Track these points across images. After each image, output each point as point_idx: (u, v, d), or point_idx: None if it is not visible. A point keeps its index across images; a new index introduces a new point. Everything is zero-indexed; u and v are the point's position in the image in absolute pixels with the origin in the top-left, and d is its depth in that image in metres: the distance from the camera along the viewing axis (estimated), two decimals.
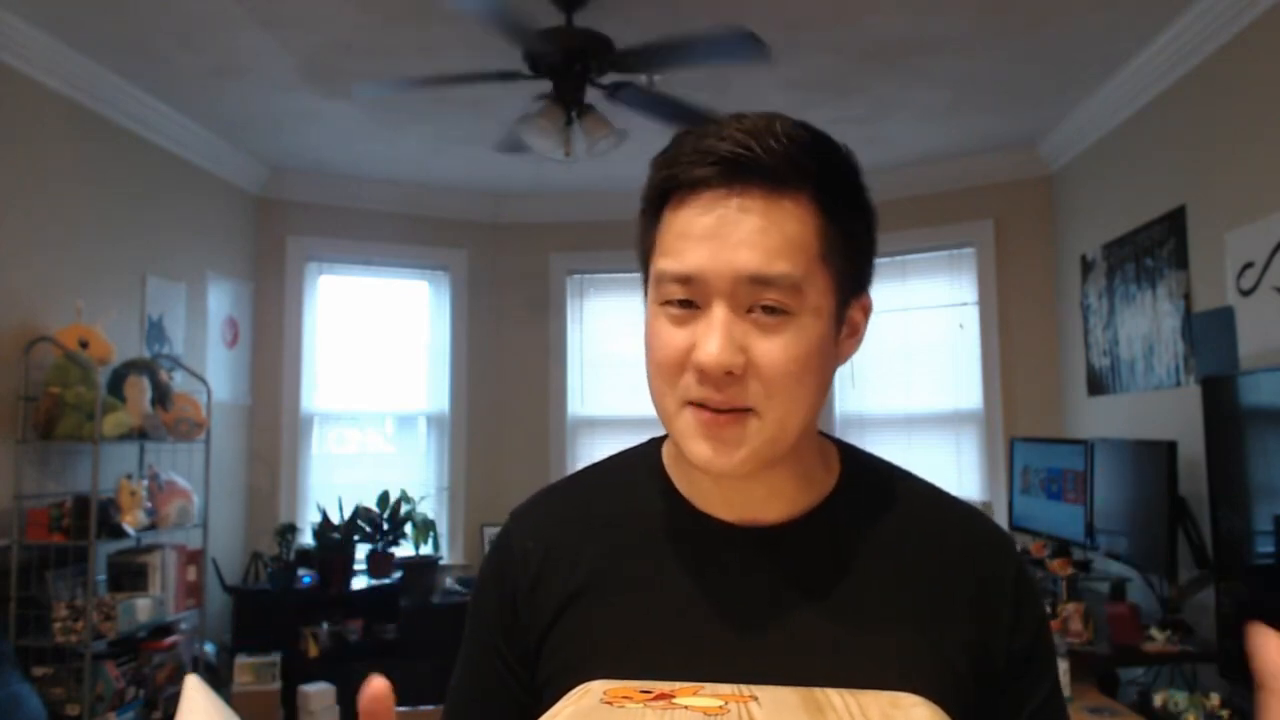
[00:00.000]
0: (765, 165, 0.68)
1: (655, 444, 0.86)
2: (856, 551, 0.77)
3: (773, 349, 0.69)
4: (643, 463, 0.84)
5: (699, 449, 0.71)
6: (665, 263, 0.71)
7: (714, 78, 3.34)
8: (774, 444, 0.71)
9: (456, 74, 3.03)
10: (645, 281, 0.77)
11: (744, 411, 0.70)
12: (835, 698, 0.61)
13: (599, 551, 0.79)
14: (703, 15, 3.02)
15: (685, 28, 3.05)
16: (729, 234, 0.68)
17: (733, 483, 0.76)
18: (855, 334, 0.77)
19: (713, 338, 0.68)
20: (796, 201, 0.70)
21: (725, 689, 0.63)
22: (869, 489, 0.81)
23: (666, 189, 0.72)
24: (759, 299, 0.69)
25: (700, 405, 0.70)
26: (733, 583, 0.76)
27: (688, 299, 0.70)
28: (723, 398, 0.69)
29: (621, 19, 2.97)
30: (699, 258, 0.69)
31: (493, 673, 0.80)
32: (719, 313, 0.68)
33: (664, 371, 0.72)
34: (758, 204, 0.69)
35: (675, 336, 0.70)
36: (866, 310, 0.77)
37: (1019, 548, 0.88)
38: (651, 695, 0.62)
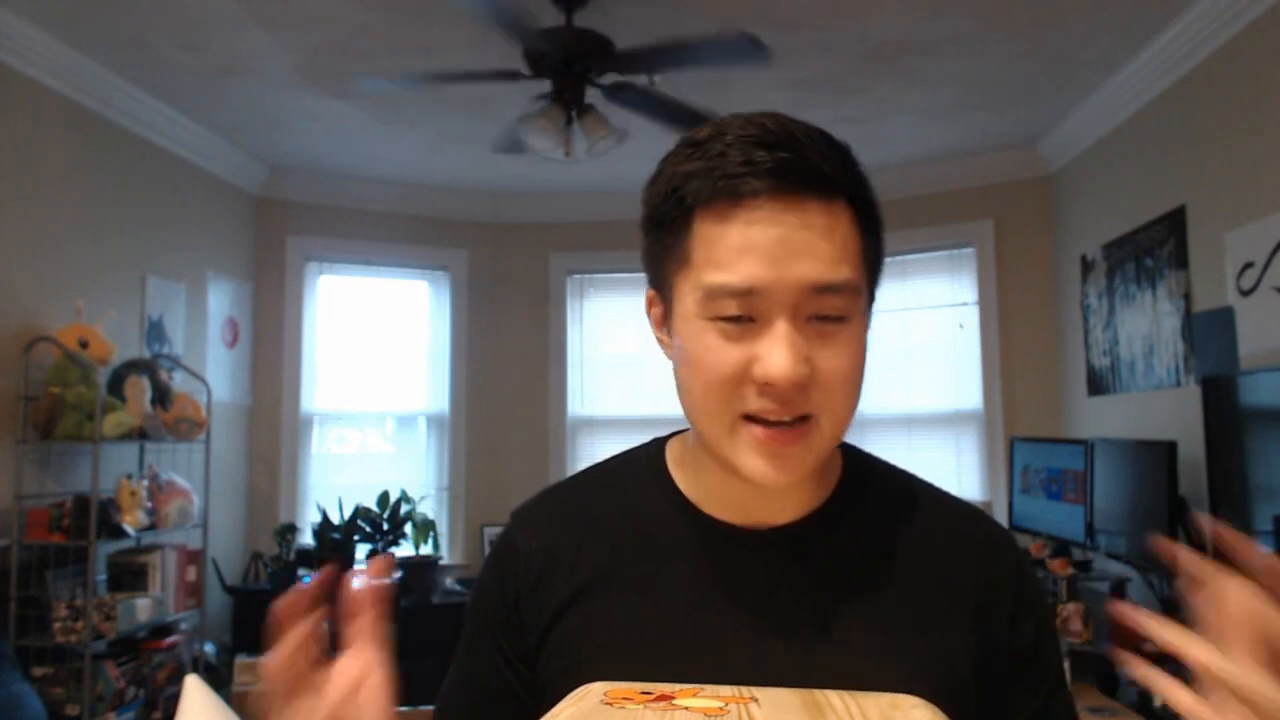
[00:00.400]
0: (816, 171, 0.68)
1: (658, 444, 0.86)
2: (858, 553, 0.77)
3: (835, 357, 0.69)
4: (646, 463, 0.84)
5: (756, 465, 0.70)
6: (719, 275, 0.68)
7: (714, 78, 3.33)
8: (827, 449, 0.72)
9: (457, 72, 3.03)
10: (662, 290, 0.75)
11: (804, 420, 0.69)
12: (835, 699, 0.61)
13: (601, 552, 0.79)
14: (703, 15, 3.02)
15: (685, 28, 3.05)
16: (792, 246, 0.67)
17: (749, 487, 0.75)
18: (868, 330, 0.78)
19: (780, 352, 0.66)
20: (841, 206, 0.70)
21: (725, 690, 0.63)
22: (871, 490, 0.81)
23: (704, 197, 0.69)
24: (821, 308, 0.68)
25: (758, 419, 0.69)
26: (735, 583, 0.76)
27: (744, 313, 0.68)
28: (788, 408, 0.68)
29: (622, 19, 2.97)
30: (759, 271, 0.67)
31: (493, 671, 0.80)
32: (782, 326, 0.67)
33: (718, 388, 0.70)
34: (815, 212, 0.68)
35: (731, 353, 0.69)
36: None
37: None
38: (652, 697, 0.62)
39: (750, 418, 0.69)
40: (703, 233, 0.69)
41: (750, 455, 0.70)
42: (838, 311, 0.68)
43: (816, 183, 0.68)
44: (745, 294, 0.67)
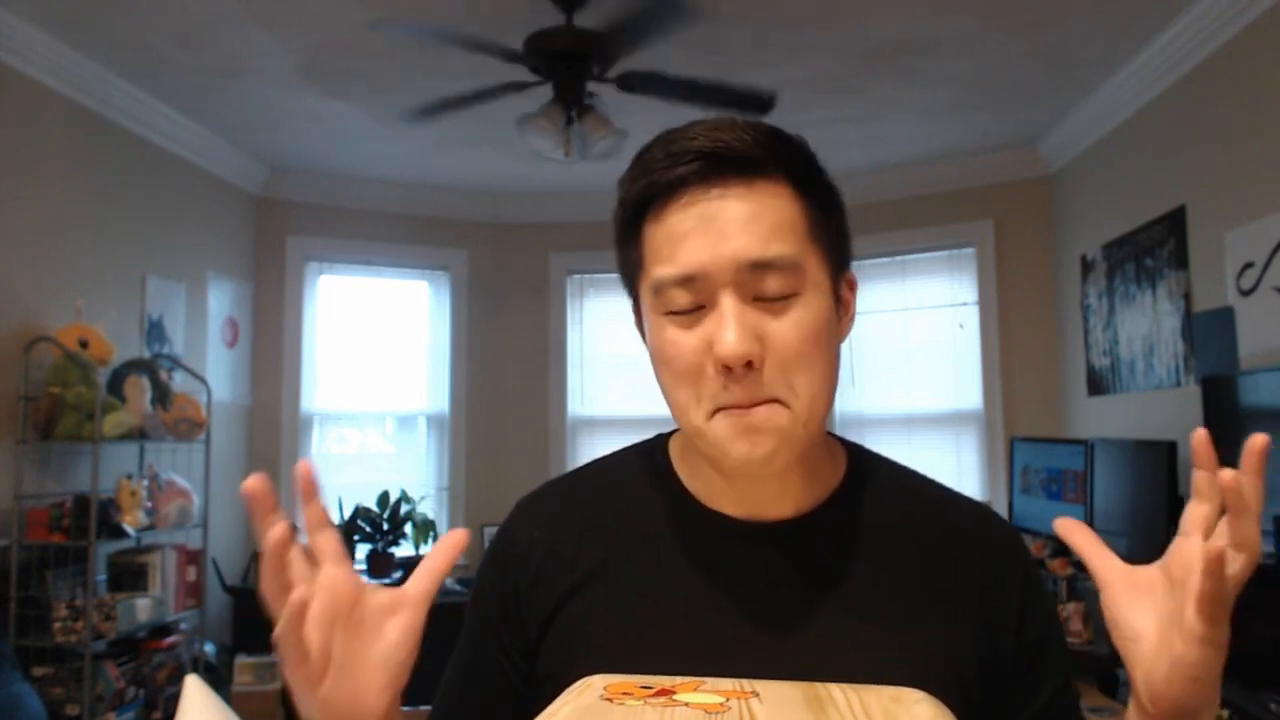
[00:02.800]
0: (740, 154, 0.69)
1: (660, 440, 0.86)
2: (862, 548, 0.77)
3: (785, 329, 0.69)
4: (648, 458, 0.84)
5: (737, 449, 0.70)
6: (662, 269, 0.70)
7: (714, 79, 3.33)
8: (804, 430, 0.71)
9: (467, 93, 3.05)
10: (635, 301, 0.77)
11: (771, 403, 0.69)
12: (837, 693, 0.61)
13: (602, 545, 0.79)
14: (703, 15, 3.02)
15: (686, 29, 3.05)
16: (720, 226, 0.69)
17: (748, 481, 0.75)
18: (848, 311, 0.77)
19: (728, 328, 0.67)
20: (775, 185, 0.71)
21: (726, 684, 0.63)
22: (875, 486, 0.81)
23: (645, 199, 0.72)
24: (762, 286, 0.69)
25: (730, 408, 0.70)
26: (737, 578, 0.76)
27: (693, 301, 0.70)
28: (749, 394, 0.69)
29: (621, 20, 2.97)
30: (696, 255, 0.69)
31: (492, 664, 0.80)
32: (728, 304, 0.68)
33: (685, 378, 0.71)
34: (740, 191, 0.69)
35: (688, 340, 0.70)
36: (853, 286, 0.78)
37: None
38: (652, 691, 0.62)
39: (723, 409, 0.70)
40: (647, 234, 0.72)
41: (730, 442, 0.70)
42: (781, 290, 0.69)
43: (739, 164, 0.69)
44: (688, 281, 0.69)
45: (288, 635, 0.60)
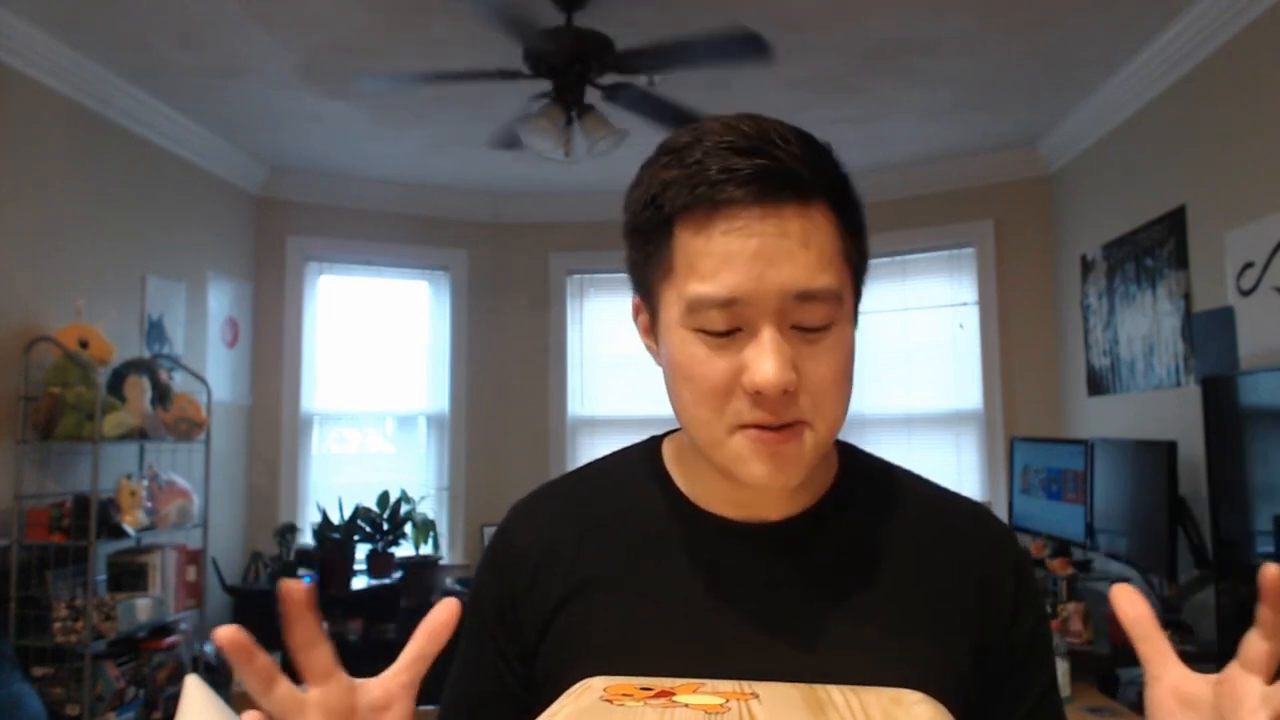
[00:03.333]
0: (795, 176, 0.67)
1: (656, 441, 0.86)
2: (858, 548, 0.77)
3: (822, 362, 0.69)
4: (644, 460, 0.84)
5: (756, 470, 0.69)
6: (701, 287, 0.67)
7: (714, 79, 3.33)
8: (822, 449, 0.71)
9: (457, 71, 3.03)
10: (647, 298, 0.75)
11: (797, 425, 0.69)
12: (836, 695, 0.61)
13: (599, 548, 0.79)
14: (703, 15, 3.02)
15: (686, 28, 3.05)
16: (770, 253, 0.66)
17: (750, 488, 0.75)
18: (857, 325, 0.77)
19: (767, 360, 0.66)
20: (821, 210, 0.69)
21: (726, 686, 0.63)
22: (868, 486, 0.81)
23: (683, 207, 0.68)
24: (804, 316, 0.68)
25: (755, 427, 0.69)
26: (734, 579, 0.76)
27: (729, 322, 0.68)
28: (778, 416, 0.68)
29: (622, 19, 2.97)
30: (740, 280, 0.66)
31: (491, 667, 0.80)
32: (768, 334, 0.67)
33: (710, 399, 0.69)
34: (793, 217, 0.67)
35: (719, 362, 0.69)
36: (860, 298, 0.78)
37: None
38: (652, 693, 0.62)
39: (747, 426, 0.69)
40: (683, 242, 0.69)
41: (748, 461, 0.69)
42: (821, 320, 0.68)
43: (794, 187, 0.67)
44: (728, 304, 0.67)
45: None
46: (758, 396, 0.67)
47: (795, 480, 0.71)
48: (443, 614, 0.65)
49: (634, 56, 2.88)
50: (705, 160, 0.68)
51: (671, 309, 0.71)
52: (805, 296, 0.67)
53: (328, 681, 0.62)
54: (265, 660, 0.59)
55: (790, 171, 0.67)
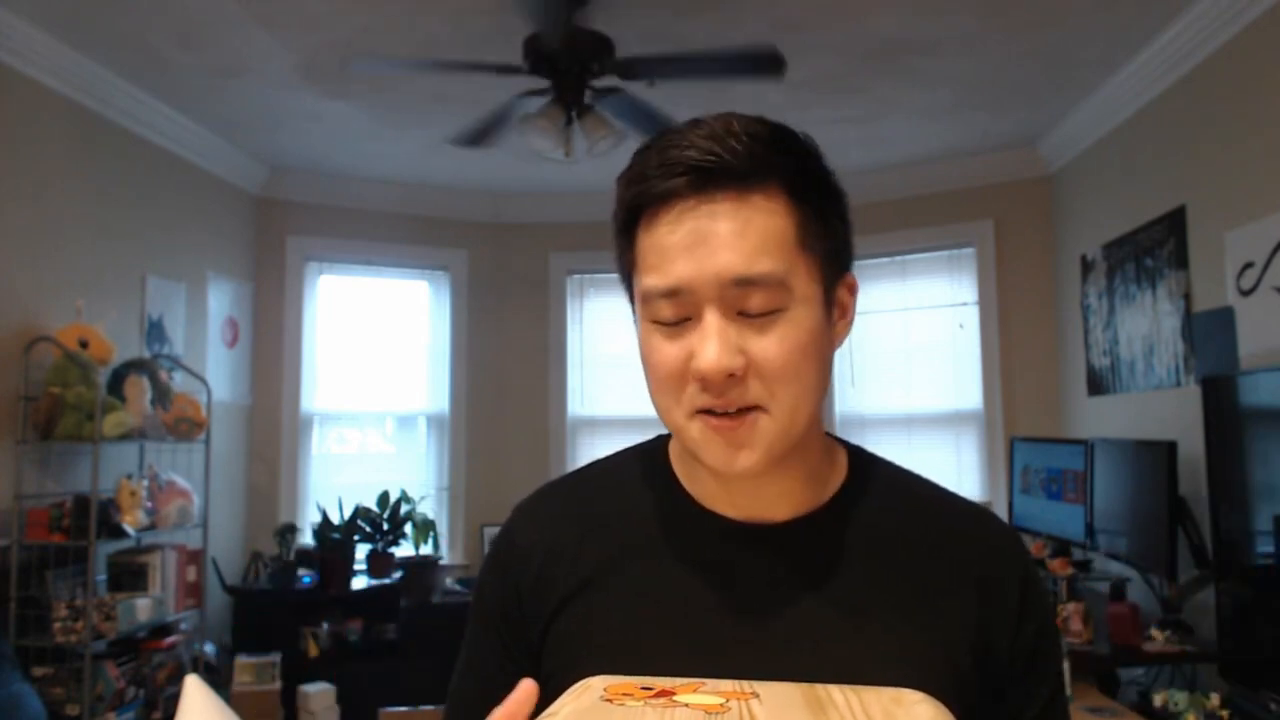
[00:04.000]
0: (730, 167, 0.69)
1: (660, 441, 0.86)
2: (862, 550, 0.77)
3: (769, 346, 0.69)
4: (647, 459, 0.84)
5: (714, 455, 0.71)
6: (649, 280, 0.71)
7: (714, 47, 3.33)
8: (786, 436, 0.71)
9: (456, 60, 3.03)
10: (631, 299, 0.77)
11: (752, 410, 0.70)
12: (837, 694, 0.61)
13: (602, 547, 0.79)
14: (704, 15, 3.03)
15: (686, 28, 3.06)
16: (707, 241, 0.68)
17: (741, 482, 0.76)
18: (845, 315, 0.77)
19: (709, 345, 0.68)
20: (767, 196, 0.70)
21: (726, 685, 0.63)
22: (876, 489, 0.81)
23: (637, 206, 0.72)
24: (747, 302, 0.69)
25: (708, 412, 0.70)
26: (737, 580, 0.76)
27: (678, 312, 0.70)
28: (727, 401, 0.69)
29: (623, 19, 2.97)
30: (681, 269, 0.69)
31: (496, 666, 0.80)
32: (711, 319, 0.69)
33: (666, 386, 0.72)
34: (729, 206, 0.69)
35: (671, 350, 0.71)
36: (853, 289, 0.78)
37: None
38: (652, 692, 0.62)
39: (702, 411, 0.71)
40: (639, 239, 0.73)
41: (707, 447, 0.71)
42: (765, 306, 0.69)
43: (732, 176, 0.69)
44: (673, 293, 0.69)
45: None
46: (703, 381, 0.69)
47: (758, 466, 0.71)
48: (525, 689, 0.64)
49: (641, 62, 2.89)
50: (652, 158, 0.71)
51: (638, 304, 0.75)
52: (744, 282, 0.68)
53: None
54: None
55: (726, 163, 0.68)
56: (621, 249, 0.76)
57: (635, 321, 0.77)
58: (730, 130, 0.70)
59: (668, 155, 0.70)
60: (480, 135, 3.29)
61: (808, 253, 0.71)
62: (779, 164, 0.70)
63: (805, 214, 0.71)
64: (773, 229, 0.69)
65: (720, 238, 0.68)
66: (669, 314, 0.70)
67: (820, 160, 0.74)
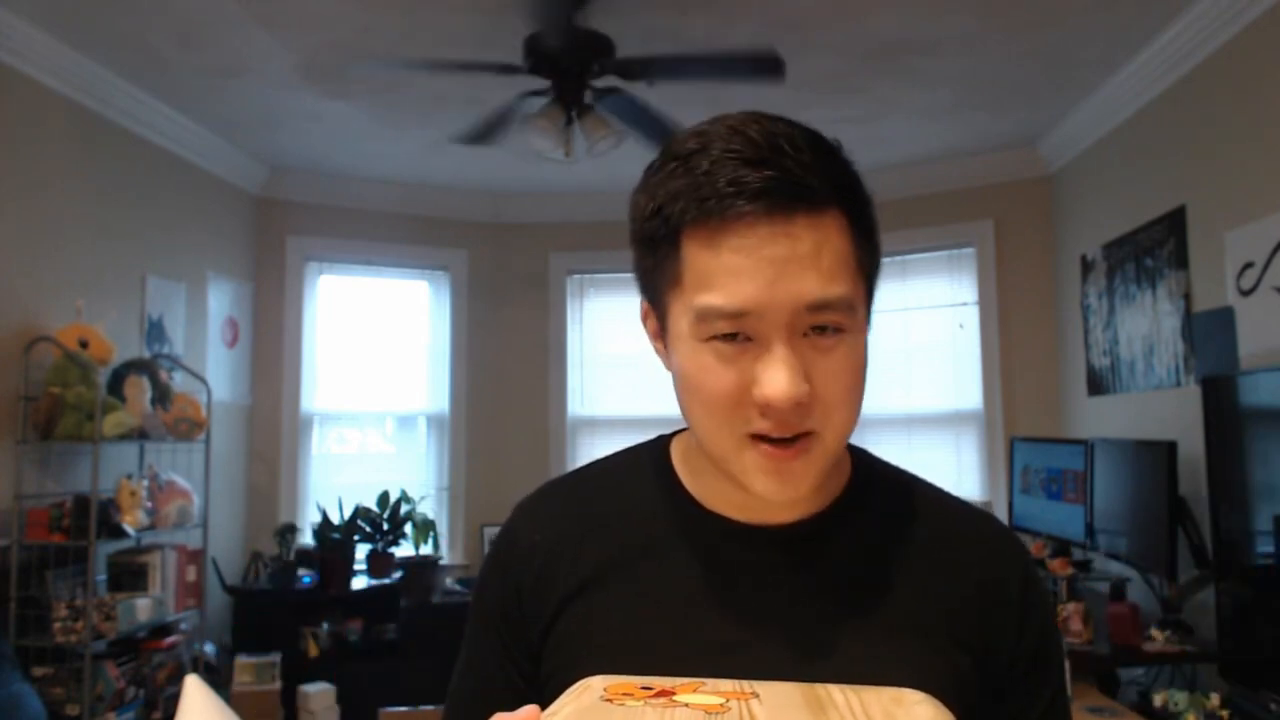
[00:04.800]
0: (803, 187, 0.66)
1: (662, 441, 0.85)
2: (864, 553, 0.77)
3: (834, 372, 0.68)
4: (650, 459, 0.84)
5: (765, 485, 0.70)
6: (711, 298, 0.67)
7: (716, 49, 3.33)
8: (831, 459, 0.71)
9: (457, 60, 3.03)
10: (654, 305, 0.74)
11: (807, 435, 0.69)
12: (837, 694, 0.61)
13: (604, 547, 0.79)
14: (704, 15, 3.02)
15: (687, 28, 3.06)
16: (782, 265, 0.66)
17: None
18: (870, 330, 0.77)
19: (779, 373, 0.66)
20: (833, 217, 0.68)
21: (726, 685, 0.63)
22: (879, 492, 0.81)
23: (693, 219, 0.67)
24: (816, 322, 0.67)
25: (764, 437, 0.69)
26: (738, 581, 0.76)
27: (739, 333, 0.67)
28: (788, 427, 0.68)
29: (624, 20, 2.97)
30: (753, 292, 0.66)
31: (496, 666, 0.80)
32: (780, 348, 0.66)
33: (718, 409, 0.69)
34: (804, 228, 0.66)
35: (728, 374, 0.68)
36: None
37: None
38: (652, 692, 0.61)
39: (755, 436, 0.69)
40: (691, 254, 0.68)
41: (757, 474, 0.70)
42: (834, 325, 0.68)
43: (805, 198, 0.66)
44: (739, 316, 0.66)
45: None
46: (768, 409, 0.67)
47: (803, 492, 0.71)
48: (523, 714, 0.62)
49: (640, 64, 2.89)
50: (713, 171, 0.66)
51: (680, 320, 0.70)
52: (818, 307, 0.66)
53: None
54: None
55: (800, 182, 0.66)
56: (656, 254, 0.71)
57: (660, 326, 0.75)
58: (791, 142, 0.67)
59: (736, 172, 0.66)
60: (482, 134, 3.29)
61: (863, 275, 0.71)
62: (840, 183, 0.69)
63: (860, 234, 0.70)
64: (842, 251, 0.68)
65: (798, 263, 0.66)
66: (729, 334, 0.67)
67: (860, 177, 0.73)
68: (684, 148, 0.69)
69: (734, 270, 0.66)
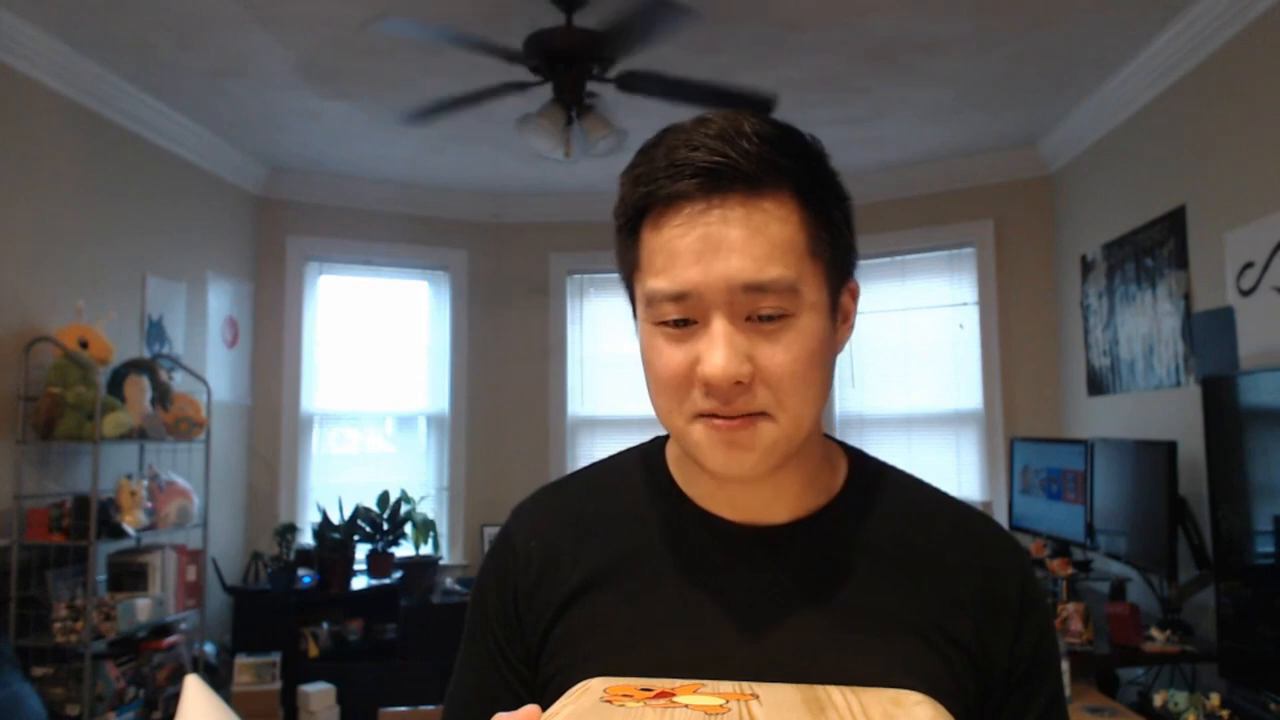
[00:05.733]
0: (742, 170, 0.67)
1: (658, 443, 0.85)
2: (861, 553, 0.77)
3: (777, 354, 0.69)
4: (645, 461, 0.84)
5: (714, 457, 0.71)
6: (655, 282, 0.70)
7: (714, 78, 3.33)
8: (788, 442, 0.71)
9: (466, 94, 3.05)
10: (631, 298, 0.77)
11: (756, 416, 0.69)
12: (836, 695, 0.61)
13: (601, 550, 0.79)
14: (703, 15, 3.02)
15: (687, 28, 3.05)
16: (717, 246, 0.67)
17: (739, 484, 0.75)
18: (848, 320, 0.77)
19: (716, 351, 0.67)
20: (778, 201, 0.69)
21: (726, 686, 0.63)
22: (876, 492, 0.81)
23: (643, 206, 0.71)
24: (757, 307, 0.68)
25: (710, 415, 0.70)
26: (736, 582, 0.76)
27: (683, 316, 0.69)
28: (732, 408, 0.69)
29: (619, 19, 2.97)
30: (690, 274, 0.68)
31: (494, 670, 0.80)
32: (719, 325, 0.68)
33: (669, 389, 0.71)
34: (740, 211, 0.68)
35: (675, 354, 0.70)
36: (855, 295, 0.77)
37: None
38: (652, 693, 0.62)
39: (703, 415, 0.70)
40: (645, 240, 0.71)
41: (708, 450, 0.71)
42: (774, 310, 0.68)
43: (743, 179, 0.68)
44: (680, 298, 0.68)
45: None
46: (709, 387, 0.68)
47: (758, 468, 0.71)
48: (523, 714, 0.62)
49: (639, 78, 2.90)
50: (667, 156, 0.69)
51: (640, 305, 0.73)
52: (754, 288, 0.67)
53: None
54: None
55: (738, 166, 0.67)
56: (624, 248, 0.75)
57: (635, 321, 0.77)
58: (740, 131, 0.68)
59: (676, 155, 0.68)
60: (432, 111, 3.21)
61: (816, 259, 0.71)
62: (789, 168, 0.69)
63: (814, 220, 0.71)
64: (783, 235, 0.69)
65: (731, 243, 0.67)
66: (674, 316, 0.70)
67: (828, 164, 0.73)
68: (648, 142, 0.72)
69: (673, 251, 0.69)
